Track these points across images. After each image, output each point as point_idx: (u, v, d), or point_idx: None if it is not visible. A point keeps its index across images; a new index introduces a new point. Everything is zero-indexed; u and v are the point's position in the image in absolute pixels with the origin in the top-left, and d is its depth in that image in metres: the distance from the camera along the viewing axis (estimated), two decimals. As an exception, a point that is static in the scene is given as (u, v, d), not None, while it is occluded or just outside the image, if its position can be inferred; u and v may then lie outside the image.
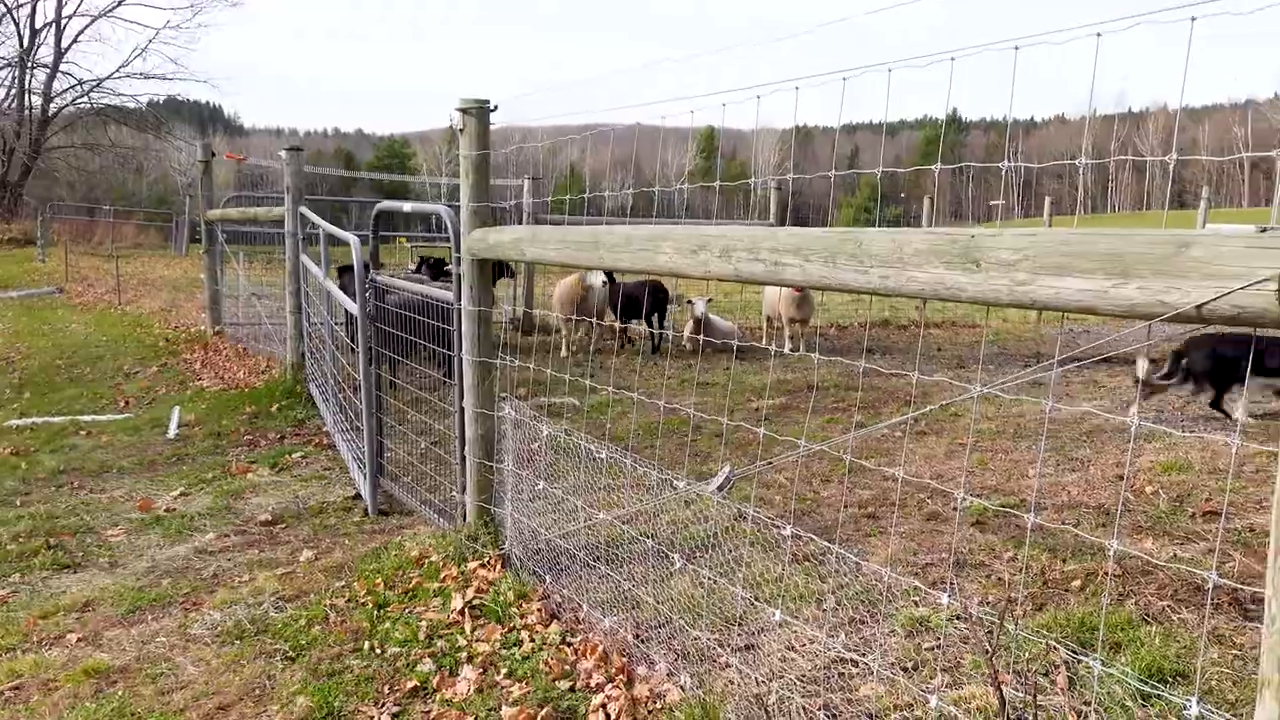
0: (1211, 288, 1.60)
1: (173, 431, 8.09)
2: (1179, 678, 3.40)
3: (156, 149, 51.93)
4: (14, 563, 5.14)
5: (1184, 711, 2.74)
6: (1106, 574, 4.31)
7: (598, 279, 11.45)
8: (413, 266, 14.09)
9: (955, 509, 5.34)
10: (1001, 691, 2.35)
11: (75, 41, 44.23)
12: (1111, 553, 2.02)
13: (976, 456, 6.62)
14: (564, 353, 11.82)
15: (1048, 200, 17.37)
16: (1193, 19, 1.79)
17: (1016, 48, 2.09)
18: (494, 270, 12.13)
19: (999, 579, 4.37)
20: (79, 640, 4.19)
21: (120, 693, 3.69)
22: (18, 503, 6.23)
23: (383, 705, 3.52)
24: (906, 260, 2.17)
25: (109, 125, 44.51)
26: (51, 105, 43.05)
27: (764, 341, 13.14)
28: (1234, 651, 3.61)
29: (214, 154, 13.09)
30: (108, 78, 43.26)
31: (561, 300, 11.73)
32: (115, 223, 36.61)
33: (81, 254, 28.94)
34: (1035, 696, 2.83)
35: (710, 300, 12.25)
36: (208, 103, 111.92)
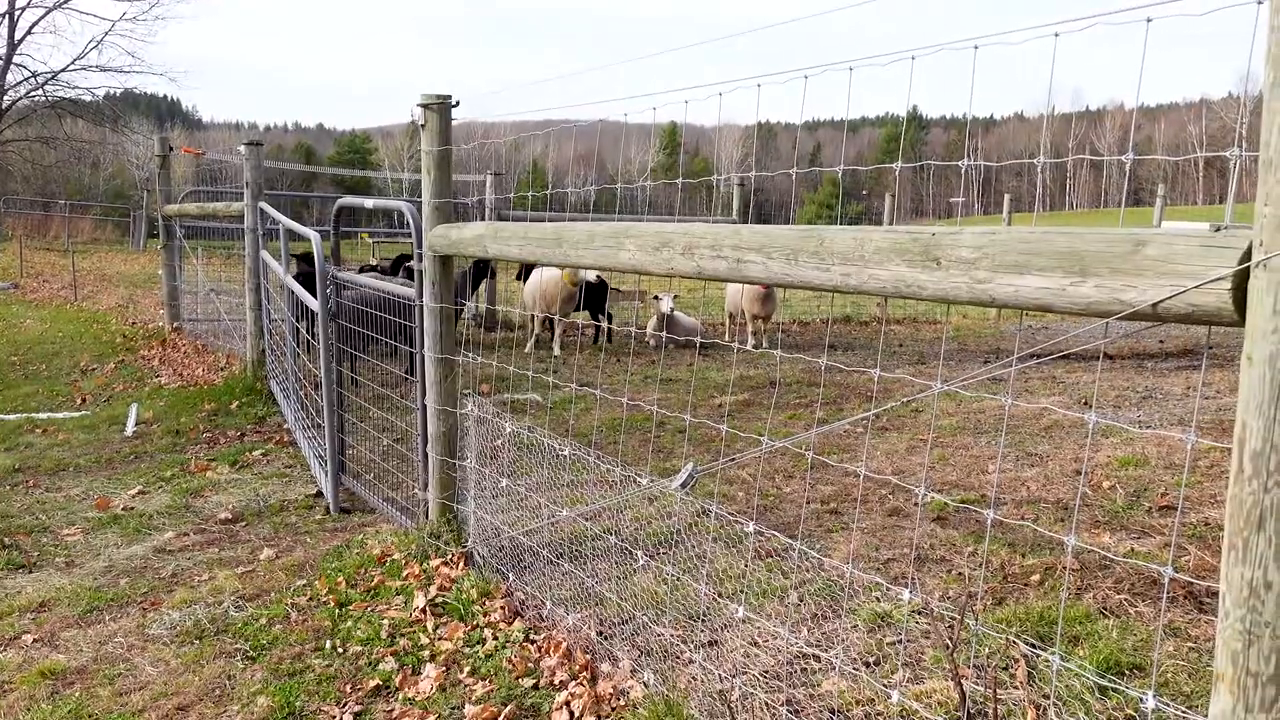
0: (1167, 286, 1.62)
1: (130, 429, 7.99)
2: (1136, 670, 3.45)
3: (113, 143, 51.30)
4: (-33, 563, 5.06)
5: (1141, 705, 2.79)
6: (1065, 569, 4.37)
7: (590, 274, 11.39)
8: (374, 262, 14.01)
9: (916, 505, 5.38)
10: (962, 686, 2.37)
11: (29, 33, 43.37)
12: (1069, 548, 2.05)
13: (937, 452, 6.67)
14: (528, 349, 11.76)
15: (1007, 197, 17.54)
16: (1149, 20, 1.81)
17: (976, 47, 2.11)
18: (478, 271, 12.11)
19: (959, 574, 4.41)
20: (35, 641, 4.12)
21: (77, 694, 3.64)
22: (-29, 502, 6.12)
23: (345, 704, 3.49)
24: (868, 258, 2.18)
25: (64, 119, 43.82)
26: (5, 98, 42.29)
27: (726, 338, 13.19)
28: (1189, 644, 3.67)
29: (172, 148, 12.93)
30: (63, 70, 42.54)
31: (546, 297, 11.57)
32: (71, 217, 36.14)
33: (36, 249, 28.52)
34: (995, 691, 2.86)
35: (677, 297, 12.28)
36: (165, 96, 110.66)
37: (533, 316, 11.96)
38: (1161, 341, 11.99)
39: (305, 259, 9.51)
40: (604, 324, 12.42)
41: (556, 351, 11.51)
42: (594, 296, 12.05)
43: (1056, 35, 1.94)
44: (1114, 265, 1.70)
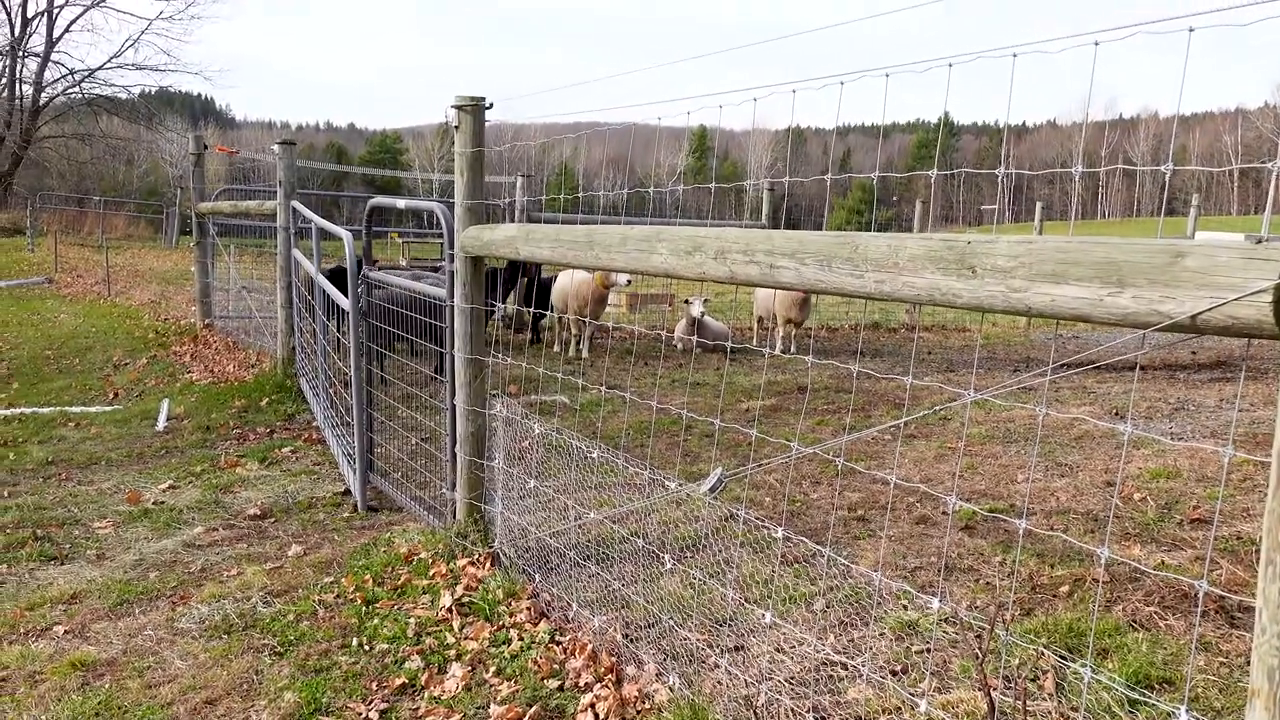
0: (1206, 298, 1.61)
1: (161, 424, 8.06)
2: (1166, 684, 3.41)
3: (147, 140, 51.79)
4: (1, 554, 5.12)
5: (1173, 719, 2.76)
6: (1097, 580, 4.33)
7: (622, 278, 11.36)
8: (403, 263, 14.07)
9: (945, 513, 5.36)
10: (991, 696, 2.36)
11: (67, 31, 44.12)
12: (1102, 559, 2.03)
13: (965, 461, 6.63)
14: (571, 352, 11.73)
15: (1039, 205, 17.43)
16: (1190, 29, 1.79)
17: (1014, 55, 2.10)
18: (511, 273, 12.03)
19: (987, 583, 4.38)
20: (66, 632, 4.17)
21: (107, 686, 3.68)
22: (5, 494, 6.20)
23: (370, 702, 3.51)
24: (902, 265, 2.17)
25: (100, 116, 44.41)
26: (43, 95, 42.86)
27: (755, 342, 13.16)
28: (1220, 659, 3.63)
29: (206, 146, 13.05)
30: (99, 68, 43.14)
31: (579, 298, 11.53)
32: (105, 214, 36.53)
33: (71, 244, 28.85)
34: (1025, 702, 2.84)
35: (707, 301, 12.27)
36: (199, 95, 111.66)
37: (560, 318, 11.95)
38: (1194, 353, 11.86)
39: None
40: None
41: (585, 354, 11.51)
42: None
43: (1097, 44, 1.92)
44: (1152, 276, 1.69)
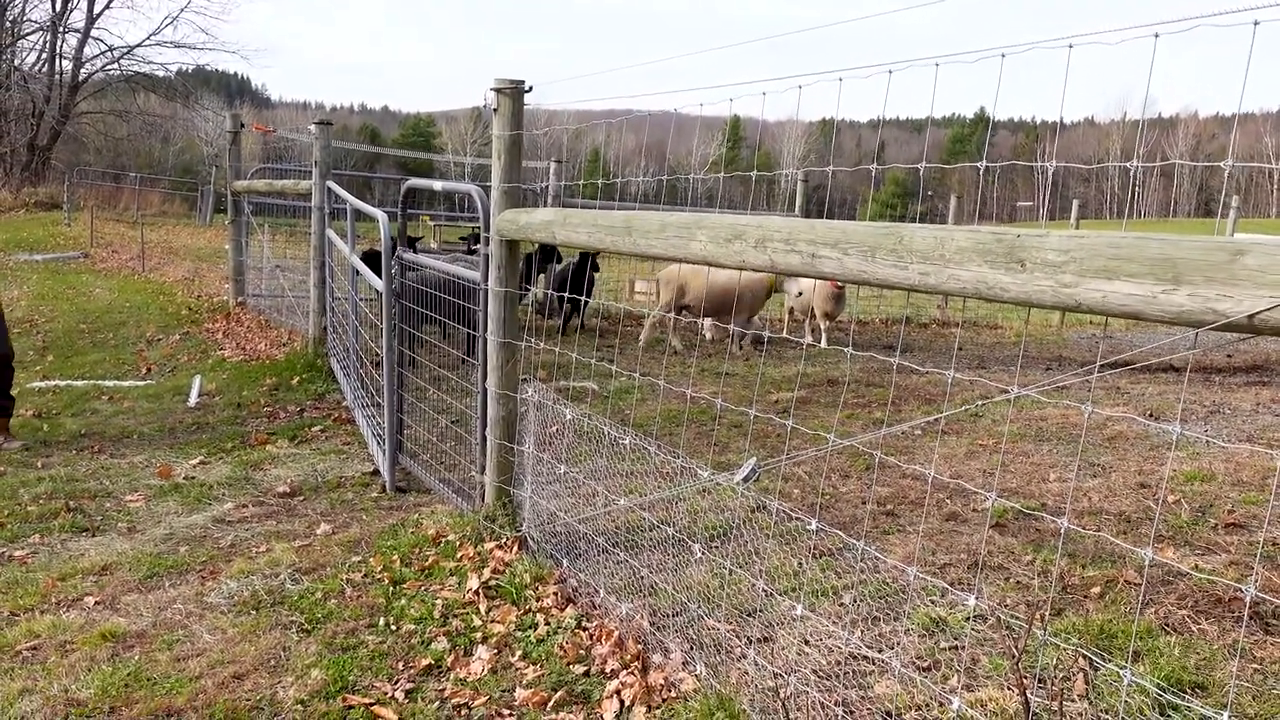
0: (1265, 297, 1.57)
1: (193, 400, 8.12)
2: (1198, 689, 3.37)
3: (184, 118, 52.17)
4: (34, 524, 5.17)
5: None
6: (1127, 582, 4.28)
7: (805, 283, 11.25)
8: (434, 246, 14.05)
9: (975, 510, 5.31)
10: (1026, 695, 2.33)
11: (108, 7, 44.33)
12: (1146, 561, 2.00)
13: (996, 458, 6.58)
14: (675, 346, 11.51)
15: (1075, 203, 17.25)
16: (1256, 22, 1.75)
17: (1070, 46, 2.06)
18: (543, 257, 11.81)
19: (1017, 582, 4.34)
20: (96, 603, 4.20)
21: (137, 657, 3.71)
22: (39, 464, 6.26)
23: (397, 682, 3.52)
24: (949, 257, 2.14)
25: (138, 93, 44.69)
26: (82, 71, 43.21)
27: (785, 333, 13.11)
28: (1254, 665, 3.58)
29: (243, 125, 13.11)
30: (138, 45, 43.41)
31: (736, 294, 10.92)
32: (141, 190, 36.81)
33: (106, 220, 29.09)
34: (1061, 703, 2.81)
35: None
36: (236, 74, 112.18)
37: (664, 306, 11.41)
38: (1230, 356, 11.71)
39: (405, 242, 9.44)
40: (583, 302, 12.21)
41: (678, 346, 11.38)
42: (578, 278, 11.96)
43: (1157, 36, 1.88)
44: (1209, 274, 1.65)
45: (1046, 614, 3.98)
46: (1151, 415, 8.11)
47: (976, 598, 3.95)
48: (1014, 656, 2.63)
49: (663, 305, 11.23)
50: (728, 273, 10.61)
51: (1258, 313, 1.58)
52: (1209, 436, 7.23)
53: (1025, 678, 2.99)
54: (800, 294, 11.58)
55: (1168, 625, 3.92)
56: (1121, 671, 2.26)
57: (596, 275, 12.34)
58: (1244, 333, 1.65)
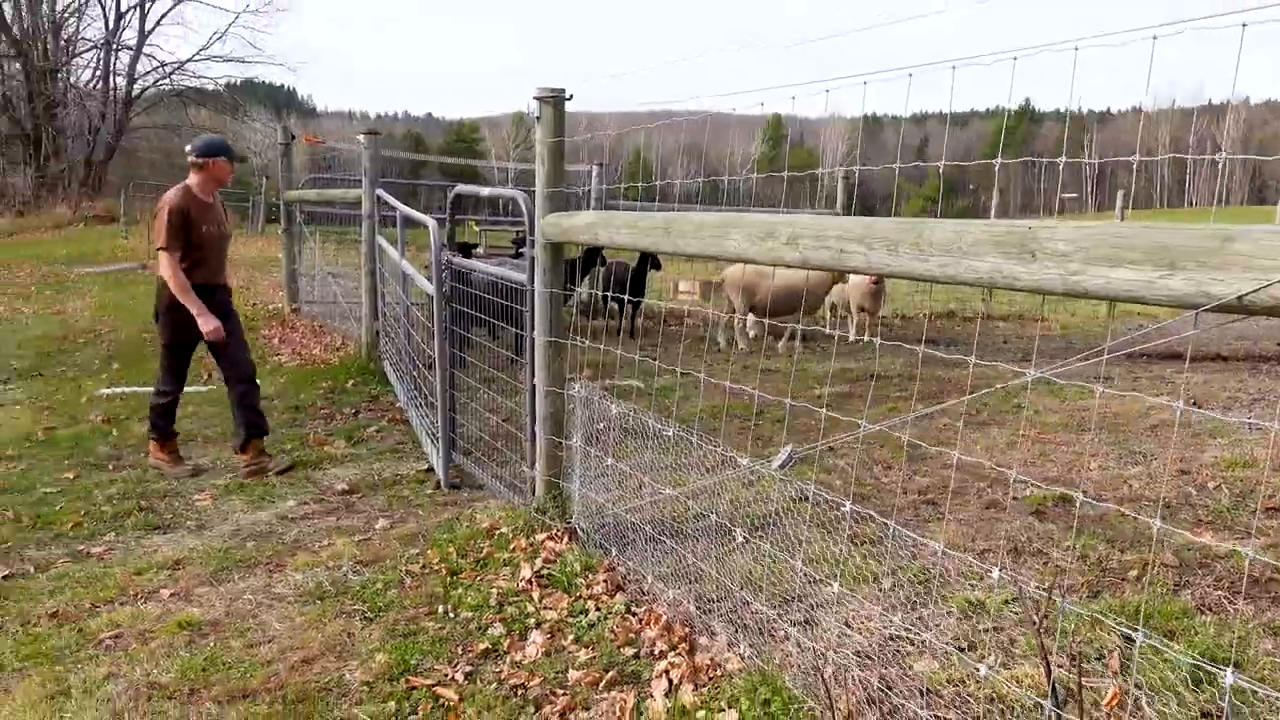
0: (1252, 279, 1.70)
1: (253, 404, 8.37)
2: (1234, 667, 3.46)
3: (233, 130, 52.96)
4: (109, 523, 5.44)
5: (1220, 681, 2.82)
6: (1164, 565, 4.37)
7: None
8: (481, 250, 14.26)
9: (1015, 498, 5.41)
10: (1048, 662, 2.46)
11: (158, 24, 45.37)
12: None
13: (1037, 448, 6.66)
14: (739, 346, 11.69)
15: (1120, 193, 17.14)
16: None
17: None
18: (588, 259, 11.96)
19: (1057, 567, 4.45)
20: (171, 595, 4.44)
21: (212, 644, 3.93)
22: (111, 467, 6.55)
23: (456, 664, 3.71)
24: (965, 250, 2.28)
25: (189, 107, 45.56)
26: (135, 87, 44.19)
27: (826, 329, 13.19)
28: (1288, 642, 3.66)
29: (294, 137, 13.43)
30: (189, 60, 44.38)
31: (813, 293, 11.19)
32: (193, 202, 37.42)
33: (161, 232, 29.64)
34: (1080, 668, 2.93)
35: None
36: (282, 85, 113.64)
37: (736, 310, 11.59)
38: (1279, 344, 11.64)
39: (461, 248, 9.67)
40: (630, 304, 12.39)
41: (744, 346, 11.52)
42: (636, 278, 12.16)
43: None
44: (1202, 259, 1.79)
45: (1076, 595, 4.09)
46: (1194, 403, 8.13)
47: (1001, 571, 4.07)
48: (1034, 623, 2.76)
49: (740, 310, 11.38)
50: (796, 272, 10.74)
51: (1246, 294, 1.71)
52: (1252, 421, 7.25)
53: (1046, 646, 3.11)
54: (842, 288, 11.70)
55: (1204, 605, 4.01)
56: (1138, 638, 2.38)
57: (652, 274, 12.60)
58: (1236, 313, 1.78)
